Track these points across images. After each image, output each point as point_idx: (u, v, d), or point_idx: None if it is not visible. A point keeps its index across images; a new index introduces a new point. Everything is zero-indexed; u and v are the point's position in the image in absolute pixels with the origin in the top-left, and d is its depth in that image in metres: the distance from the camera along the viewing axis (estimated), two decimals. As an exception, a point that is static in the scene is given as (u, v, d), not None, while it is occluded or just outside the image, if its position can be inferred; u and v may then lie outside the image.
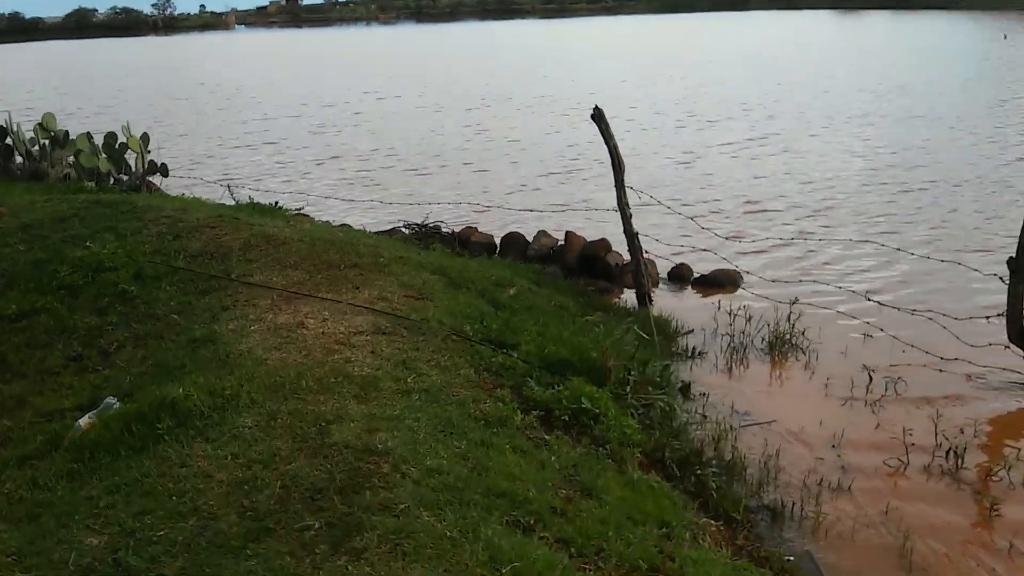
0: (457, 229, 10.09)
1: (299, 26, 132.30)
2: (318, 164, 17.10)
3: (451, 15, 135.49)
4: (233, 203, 10.17)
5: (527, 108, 24.77)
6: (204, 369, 4.83)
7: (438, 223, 10.20)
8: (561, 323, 6.50)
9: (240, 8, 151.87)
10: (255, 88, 34.05)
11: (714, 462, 4.89)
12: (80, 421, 4.52)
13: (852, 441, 5.49)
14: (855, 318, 7.44)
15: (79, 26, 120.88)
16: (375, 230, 10.20)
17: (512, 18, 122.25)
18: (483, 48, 59.38)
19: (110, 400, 4.65)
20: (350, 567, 2.88)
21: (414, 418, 4.06)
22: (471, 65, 42.87)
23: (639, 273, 8.30)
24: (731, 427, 5.48)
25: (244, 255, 6.84)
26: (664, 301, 8.51)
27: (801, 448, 5.39)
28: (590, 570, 3.12)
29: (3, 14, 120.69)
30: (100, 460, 4.08)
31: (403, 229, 10.04)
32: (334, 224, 10.17)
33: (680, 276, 9.17)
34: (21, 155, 11.52)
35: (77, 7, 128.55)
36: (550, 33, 79.08)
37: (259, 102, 28.92)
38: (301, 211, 10.51)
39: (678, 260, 9.27)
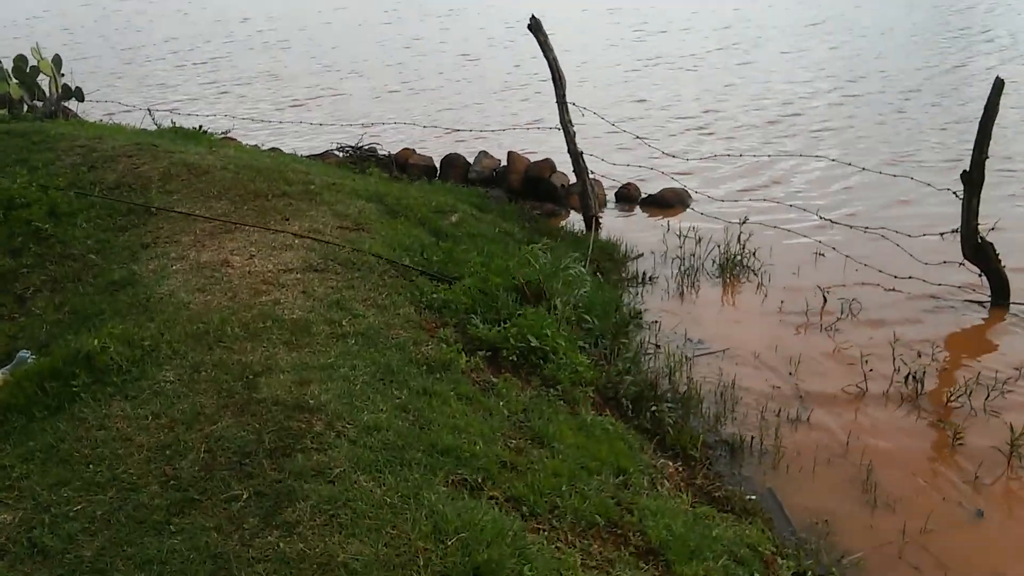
0: (394, 152, 9.65)
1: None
2: (246, 84, 16.29)
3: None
4: (155, 128, 9.57)
5: (465, 16, 23.97)
6: (123, 316, 4.48)
7: (373, 145, 9.74)
8: (507, 252, 6.23)
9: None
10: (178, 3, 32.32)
11: (669, 396, 4.73)
12: (-8, 377, 4.17)
13: (809, 367, 5.37)
14: (806, 237, 7.30)
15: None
16: (307, 154, 9.72)
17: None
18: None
19: (23, 354, 4.29)
20: (282, 544, 2.63)
21: (350, 366, 3.78)
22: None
23: (586, 195, 8.02)
24: (685, 357, 5.32)
25: (164, 186, 6.39)
26: (612, 223, 8.27)
27: (757, 377, 5.25)
28: (544, 530, 2.92)
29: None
30: (13, 423, 3.75)
31: (336, 153, 9.57)
32: (262, 149, 9.66)
33: (627, 197, 8.92)
34: None
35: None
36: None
37: (185, 14, 27.43)
38: (227, 135, 9.95)
39: (625, 180, 8.99)
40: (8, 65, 10.23)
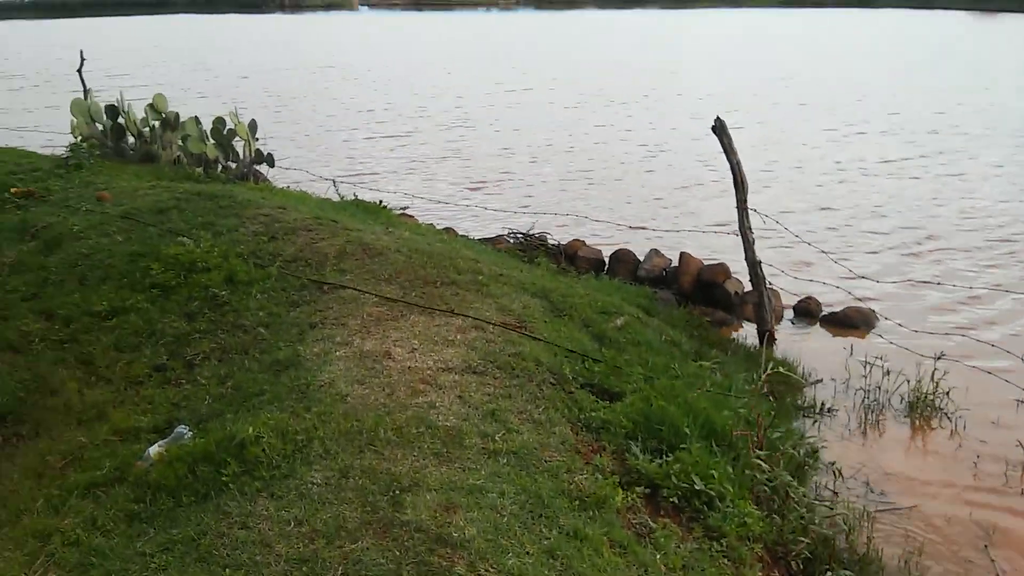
0: (564, 241, 9.55)
1: (420, 9, 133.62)
2: (429, 161, 16.68)
3: (570, 3, 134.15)
4: (338, 199, 9.91)
5: (649, 108, 23.84)
6: (281, 400, 4.46)
7: (544, 233, 9.68)
8: (672, 361, 5.90)
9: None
10: (377, 75, 33.82)
11: (846, 558, 4.22)
12: (151, 449, 4.23)
13: (1007, 540, 4.72)
14: (1010, 382, 6.54)
15: (209, 1, 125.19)
16: (480, 236, 9.76)
17: (633, 7, 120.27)
18: (608, 38, 58.27)
19: (181, 429, 4.33)
20: None
21: (499, 492, 3.55)
22: (596, 55, 41.97)
23: (762, 306, 7.59)
24: (866, 511, 4.77)
25: (338, 264, 6.49)
26: (788, 341, 7.76)
27: (947, 547, 4.65)
28: None
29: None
30: (161, 504, 3.76)
31: (508, 239, 9.57)
32: (437, 227, 9.79)
33: (807, 312, 8.38)
34: (133, 136, 11.54)
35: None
36: (677, 24, 76.97)
37: (380, 90, 28.66)
38: (406, 211, 10.17)
39: (805, 292, 8.46)
40: (208, 126, 10.93)
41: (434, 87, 28.68)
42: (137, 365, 5.61)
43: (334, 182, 10.26)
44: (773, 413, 5.13)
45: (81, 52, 12.34)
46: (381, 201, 9.76)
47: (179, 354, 5.63)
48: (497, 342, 5.38)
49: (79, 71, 12.30)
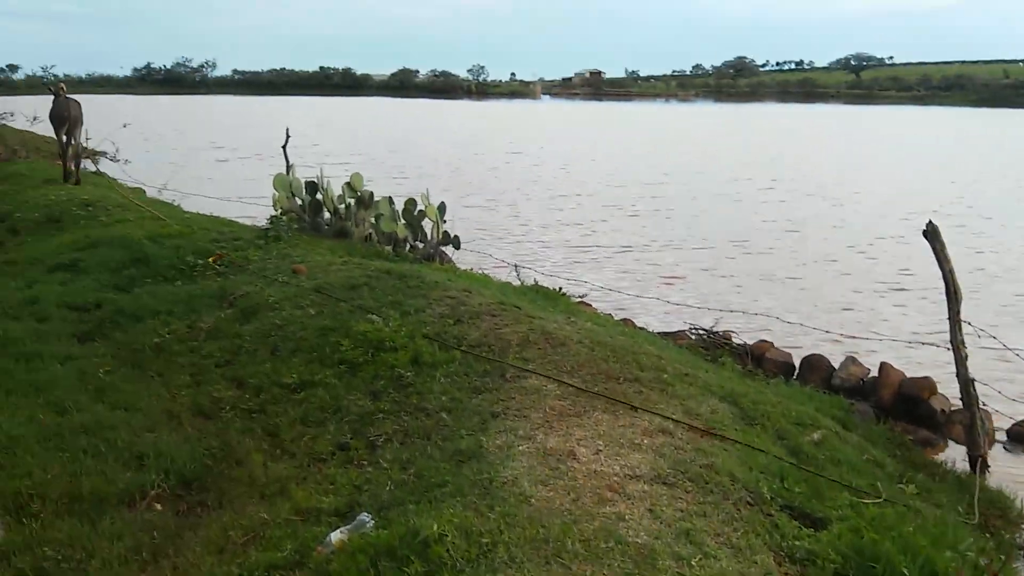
0: (750, 342, 9.11)
1: (600, 99, 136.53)
2: (613, 249, 16.52)
3: (751, 95, 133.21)
4: (518, 283, 9.92)
5: (848, 205, 22.84)
6: (464, 495, 4.31)
7: (729, 331, 9.28)
8: (876, 481, 5.36)
9: (547, 78, 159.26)
10: (561, 162, 34.12)
11: None
12: (332, 536, 4.17)
13: None
14: None
15: (402, 85, 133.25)
16: (659, 329, 9.48)
17: (814, 102, 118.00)
18: (790, 130, 57.20)
19: (364, 517, 4.25)
20: None
21: (700, 631, 3.22)
22: (779, 147, 41.19)
23: (973, 428, 6.87)
24: None
25: (521, 352, 6.38)
26: (1002, 468, 6.98)
27: None
28: None
29: (338, 69, 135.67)
30: (342, 600, 3.65)
31: (689, 334, 9.23)
32: (615, 318, 9.58)
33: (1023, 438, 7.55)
34: (329, 211, 12.10)
35: (402, 67, 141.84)
36: (860, 121, 74.63)
37: (563, 176, 28.71)
38: (584, 299, 10.05)
39: (1021, 415, 7.64)
40: (399, 206, 11.30)
41: (618, 175, 28.78)
42: (321, 441, 5.66)
43: (515, 267, 10.31)
44: (1003, 558, 4.50)
45: (287, 130, 13.15)
46: (560, 288, 9.69)
47: (362, 433, 5.64)
48: (686, 450, 5.07)
49: (284, 147, 13.10)
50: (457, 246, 10.76)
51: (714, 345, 8.76)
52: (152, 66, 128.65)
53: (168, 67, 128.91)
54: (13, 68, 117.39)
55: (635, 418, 5.41)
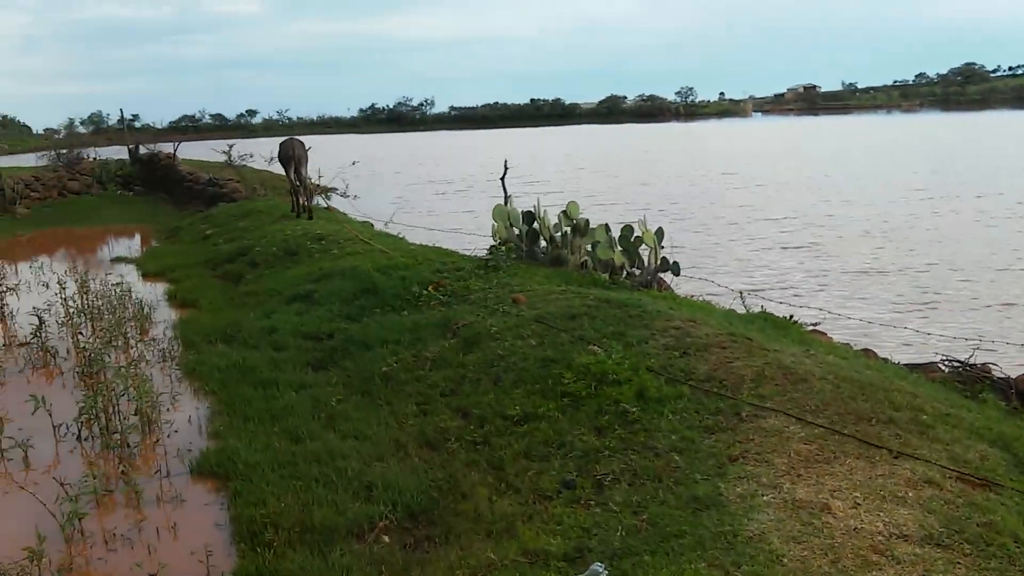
0: (1013, 374, 8.03)
1: (816, 113, 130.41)
2: (845, 274, 15.24)
3: (982, 103, 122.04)
4: (743, 310, 9.37)
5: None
6: (705, 548, 3.95)
7: (988, 364, 8.23)
8: None
9: (757, 96, 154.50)
10: (778, 182, 32.16)
11: None
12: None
13: None
14: None
15: (610, 111, 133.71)
16: (904, 361, 8.59)
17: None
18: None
19: (597, 567, 3.98)
20: None
21: None
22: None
23: None
24: None
25: (756, 388, 5.91)
26: None
27: None
28: None
29: (548, 100, 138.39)
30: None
31: (941, 367, 8.28)
32: (854, 348, 8.79)
33: None
34: (545, 240, 12.06)
35: (609, 95, 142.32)
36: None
37: (783, 197, 26.95)
38: (816, 327, 9.32)
39: None
40: (615, 233, 11.05)
41: (842, 194, 26.94)
42: (546, 477, 5.47)
43: (740, 294, 9.75)
44: None
45: (505, 162, 13.31)
46: (792, 316, 9.05)
47: (588, 471, 5.40)
48: (958, 504, 4.43)
49: (502, 179, 13.25)
50: (676, 272, 10.36)
51: (971, 379, 7.78)
52: (376, 106, 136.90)
53: (391, 106, 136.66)
54: (252, 113, 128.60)
55: (894, 466, 4.81)
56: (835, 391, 5.83)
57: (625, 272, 10.94)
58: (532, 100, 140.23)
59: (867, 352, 8.71)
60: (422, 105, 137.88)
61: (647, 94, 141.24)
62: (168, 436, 7.31)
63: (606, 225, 11.14)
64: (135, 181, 28.91)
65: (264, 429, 6.95)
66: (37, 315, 10.50)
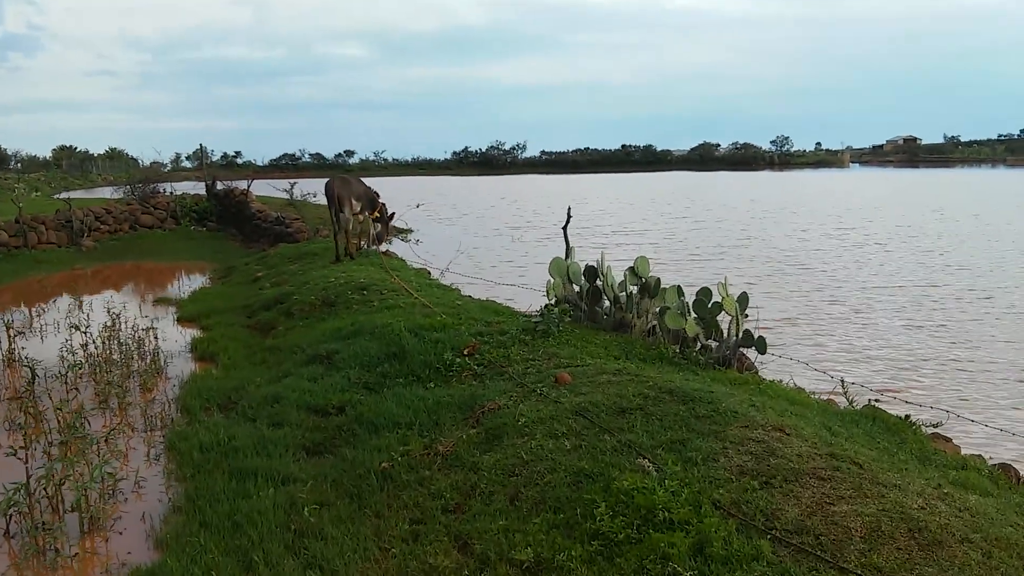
0: None
1: (915, 166, 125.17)
2: (979, 361, 12.19)
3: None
4: (845, 406, 7.50)
5: None
6: None
7: None
8: None
9: (855, 146, 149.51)
10: (885, 238, 28.72)
11: None
12: None
13: None
14: None
15: (702, 159, 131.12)
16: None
17: None
18: None
19: None
20: None
21: None
22: None
23: None
24: None
25: (868, 552, 4.09)
26: None
27: None
28: None
29: (639, 146, 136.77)
30: None
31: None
32: (989, 462, 6.77)
33: None
34: (609, 300, 10.38)
35: (702, 142, 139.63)
36: None
37: (896, 262, 23.04)
38: (938, 430, 7.35)
39: None
40: (690, 297, 9.26)
41: (963, 255, 24.02)
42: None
43: (843, 383, 7.81)
44: None
45: (568, 210, 11.74)
46: (908, 416, 7.12)
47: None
48: None
49: (564, 228, 11.66)
50: (762, 350, 8.49)
51: None
52: (468, 149, 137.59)
53: (483, 150, 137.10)
54: (349, 153, 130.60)
55: None
56: (983, 562, 3.97)
57: (699, 344, 9.14)
58: (623, 146, 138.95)
59: (1005, 469, 6.69)
60: (514, 149, 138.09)
61: (741, 142, 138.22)
62: (108, 540, 5.89)
63: (678, 287, 9.36)
64: (210, 216, 28.51)
65: (217, 543, 5.45)
66: (29, 366, 9.38)
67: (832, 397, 7.99)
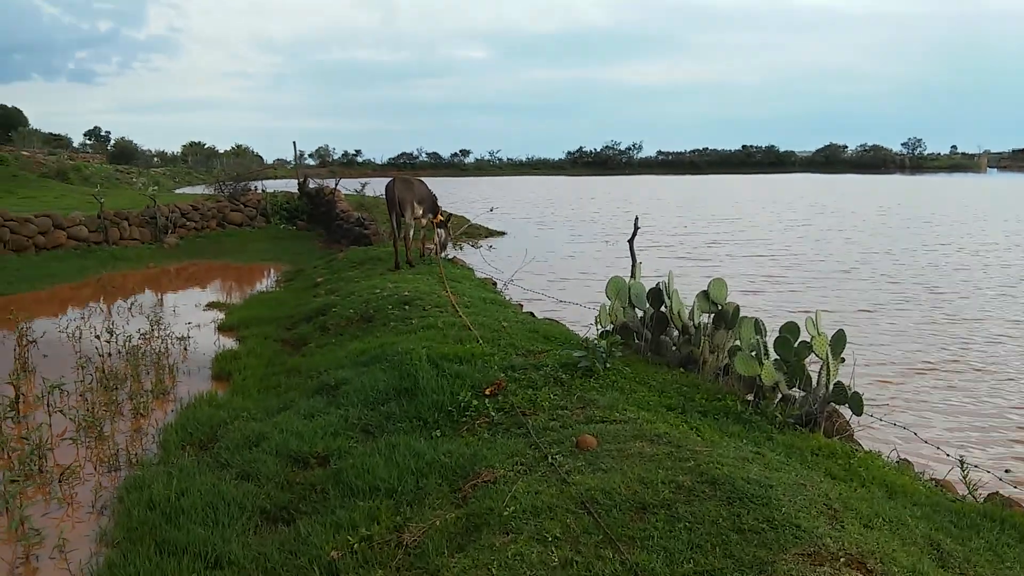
0: None
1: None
2: None
3: None
4: (964, 491, 5.60)
5: None
6: None
7: None
8: None
9: (993, 151, 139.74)
10: None
11: None
12: None
13: None
14: None
15: (828, 161, 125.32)
16: None
17: None
18: None
19: None
20: None
21: None
22: None
23: None
24: None
25: None
26: None
27: None
28: None
29: (760, 147, 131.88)
30: None
31: None
32: None
33: None
34: (677, 329, 8.67)
35: (828, 143, 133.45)
36: None
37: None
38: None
39: None
40: (771, 338, 7.44)
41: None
42: None
43: (961, 463, 5.86)
44: None
45: (636, 220, 10.06)
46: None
47: None
48: None
49: (630, 241, 9.97)
50: (857, 411, 6.60)
51: None
52: (583, 149, 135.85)
53: (598, 150, 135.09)
54: (465, 153, 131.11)
55: None
56: None
57: (780, 395, 7.33)
58: (744, 147, 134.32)
59: None
60: (630, 149, 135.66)
61: (869, 144, 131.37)
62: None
63: (756, 320, 7.53)
64: (300, 215, 27.97)
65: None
66: (12, 383, 8.46)
67: (949, 479, 6.07)
